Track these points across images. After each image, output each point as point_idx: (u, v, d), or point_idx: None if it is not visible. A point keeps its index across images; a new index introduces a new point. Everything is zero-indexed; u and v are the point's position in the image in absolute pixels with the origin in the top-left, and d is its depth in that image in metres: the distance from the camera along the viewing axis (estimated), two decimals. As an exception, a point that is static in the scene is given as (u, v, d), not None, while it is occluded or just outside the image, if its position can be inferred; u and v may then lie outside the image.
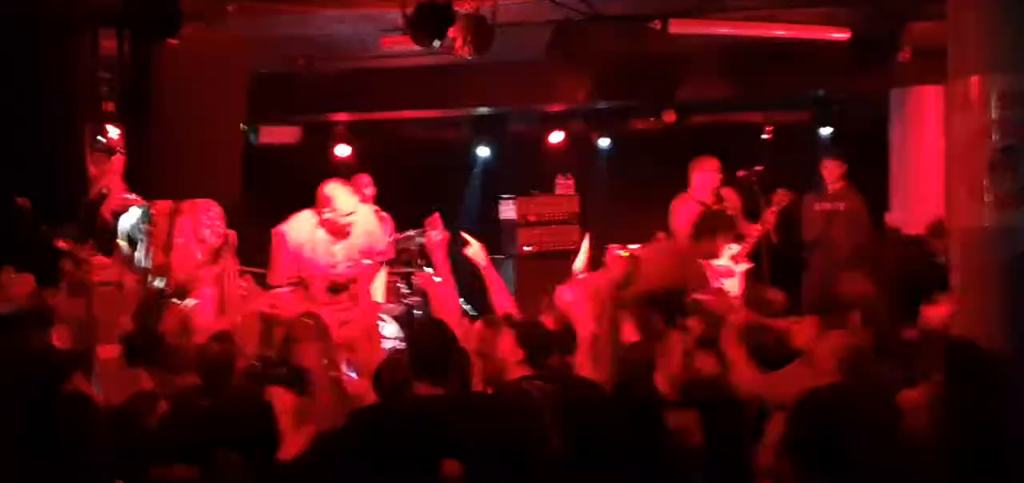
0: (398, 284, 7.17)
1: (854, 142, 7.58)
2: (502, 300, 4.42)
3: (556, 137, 8.54)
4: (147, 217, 5.52)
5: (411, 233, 6.69)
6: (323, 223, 5.57)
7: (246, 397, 3.49)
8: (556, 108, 7.95)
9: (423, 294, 5.68)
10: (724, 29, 5.70)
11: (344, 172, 6.48)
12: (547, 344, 3.96)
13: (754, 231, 6.51)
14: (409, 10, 4.56)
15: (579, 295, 4.37)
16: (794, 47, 6.08)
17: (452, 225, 7.06)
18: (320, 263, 5.56)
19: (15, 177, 4.05)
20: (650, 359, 3.89)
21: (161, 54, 4.17)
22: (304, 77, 6.25)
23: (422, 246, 6.69)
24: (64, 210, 4.44)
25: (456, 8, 4.62)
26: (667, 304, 4.37)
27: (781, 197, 6.62)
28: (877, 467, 2.65)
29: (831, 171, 7.33)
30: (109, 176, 5.27)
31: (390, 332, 6.41)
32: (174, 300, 5.16)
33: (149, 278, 5.43)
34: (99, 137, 5.33)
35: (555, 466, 2.89)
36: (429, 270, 6.67)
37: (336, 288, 5.60)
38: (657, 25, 5.40)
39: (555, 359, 4.00)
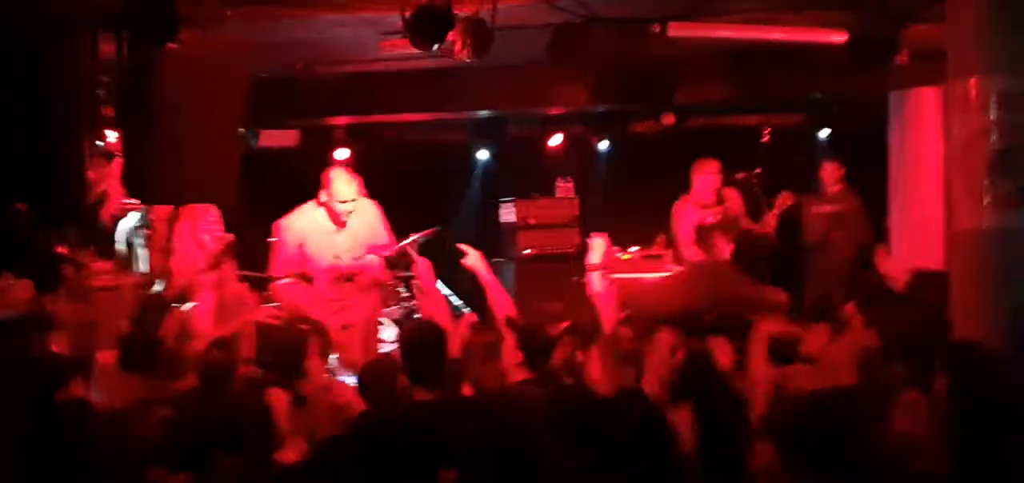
0: (398, 288, 7.17)
1: (853, 144, 7.59)
2: (502, 305, 4.42)
3: (556, 140, 8.54)
4: (146, 222, 5.52)
5: (411, 236, 6.69)
6: (321, 205, 5.56)
7: (244, 401, 3.49)
8: (555, 111, 7.95)
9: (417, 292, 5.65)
10: (723, 32, 5.70)
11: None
12: (547, 348, 3.96)
13: (756, 230, 6.52)
14: (408, 13, 4.56)
15: (610, 293, 4.36)
16: (792, 50, 6.08)
17: (452, 228, 7.10)
18: (323, 256, 5.54)
19: (14, 182, 4.05)
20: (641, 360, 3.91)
21: (160, 58, 4.17)
22: (303, 81, 6.25)
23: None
24: (63, 215, 4.43)
25: (455, 11, 4.63)
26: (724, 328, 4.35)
27: (784, 199, 6.63)
28: (876, 468, 2.64)
29: (830, 174, 7.34)
30: (108, 181, 5.27)
31: (390, 336, 6.41)
32: (173, 305, 5.16)
33: (148, 283, 5.43)
34: (98, 142, 5.33)
35: (551, 471, 2.89)
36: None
37: (341, 279, 5.58)
38: (656, 28, 5.41)
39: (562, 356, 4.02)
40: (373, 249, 5.68)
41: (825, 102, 7.87)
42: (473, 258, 4.79)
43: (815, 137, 8.23)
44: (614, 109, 7.87)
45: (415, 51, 4.81)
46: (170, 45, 4.18)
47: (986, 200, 4.01)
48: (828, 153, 7.64)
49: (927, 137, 6.76)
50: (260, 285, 6.62)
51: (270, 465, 3.10)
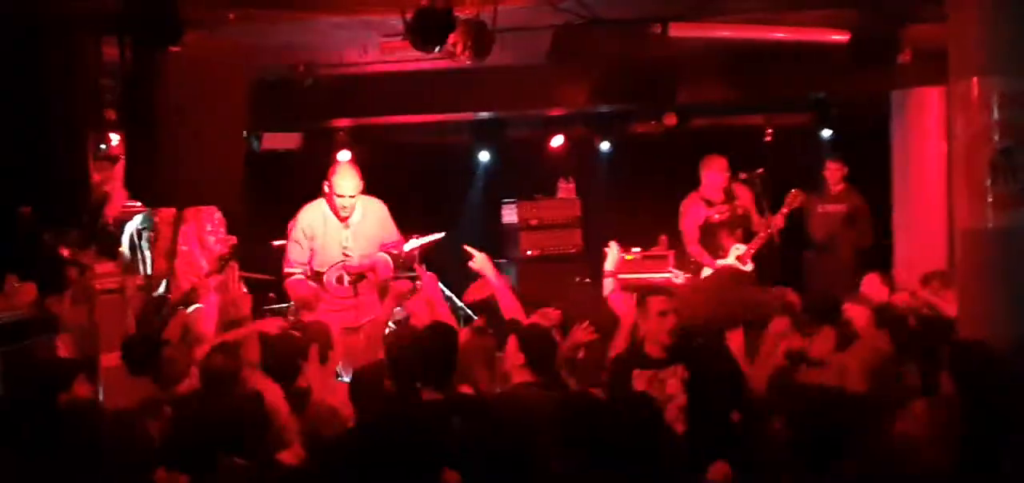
0: (409, 291, 7.16)
1: (855, 144, 7.59)
2: (509, 307, 4.43)
3: (557, 141, 8.55)
4: (150, 224, 5.53)
5: (415, 238, 6.69)
6: (325, 198, 5.57)
7: (245, 403, 3.50)
8: (557, 112, 7.95)
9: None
10: (724, 32, 5.70)
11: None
12: (549, 350, 3.96)
13: (763, 233, 6.52)
14: (409, 16, 4.56)
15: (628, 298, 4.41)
16: (794, 50, 6.07)
17: (454, 230, 7.09)
18: (331, 250, 5.54)
19: (18, 184, 4.05)
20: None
21: (163, 61, 4.18)
22: (305, 83, 6.25)
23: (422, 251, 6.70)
24: (67, 217, 4.44)
25: (456, 14, 4.62)
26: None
27: (793, 198, 6.64)
28: (881, 467, 2.65)
29: (833, 173, 7.34)
30: (112, 183, 5.28)
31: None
32: (178, 307, 5.17)
33: (152, 285, 5.44)
34: (102, 145, 5.34)
35: (551, 472, 2.89)
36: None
37: (352, 279, 5.58)
38: (657, 29, 5.40)
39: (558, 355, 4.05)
40: (384, 246, 5.69)
41: (827, 102, 7.86)
42: (480, 260, 4.79)
43: (818, 137, 8.23)
44: (616, 110, 7.87)
45: (416, 53, 4.81)
46: (173, 48, 4.18)
47: (989, 200, 4.01)
48: (831, 153, 7.64)
49: (930, 137, 6.77)
50: (263, 287, 6.64)
51: (272, 466, 3.10)
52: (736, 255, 6.55)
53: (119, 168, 5.04)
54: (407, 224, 6.44)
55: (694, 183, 6.77)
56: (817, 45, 5.92)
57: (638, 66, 6.19)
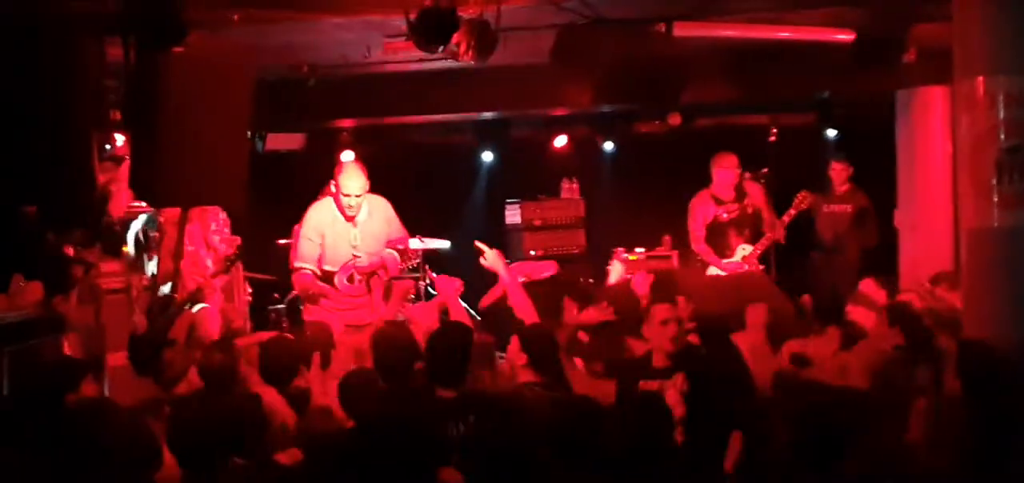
0: (412, 291, 7.17)
1: (860, 143, 7.58)
2: (521, 306, 4.43)
3: (561, 141, 8.54)
4: (154, 224, 5.53)
5: (419, 238, 6.70)
6: (332, 196, 5.60)
7: (244, 404, 3.50)
8: (560, 112, 7.94)
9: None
10: (728, 32, 5.69)
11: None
12: (551, 350, 3.96)
13: (769, 234, 6.51)
14: (413, 16, 4.56)
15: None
16: (799, 49, 6.07)
17: (458, 231, 7.09)
18: (340, 248, 5.56)
19: (23, 184, 4.06)
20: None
21: (167, 62, 4.18)
22: (309, 84, 6.26)
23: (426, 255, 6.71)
24: (72, 217, 4.45)
25: (460, 13, 4.62)
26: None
27: (801, 200, 6.63)
28: (881, 470, 2.64)
29: (838, 173, 7.34)
30: (117, 184, 5.29)
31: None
32: (184, 307, 5.18)
33: (157, 285, 5.44)
34: (107, 145, 5.35)
35: (550, 473, 2.89)
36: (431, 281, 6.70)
37: (363, 278, 5.60)
38: (661, 28, 5.40)
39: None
40: (391, 243, 5.71)
41: (832, 102, 7.85)
42: (491, 257, 4.79)
43: (822, 136, 8.22)
44: (619, 110, 7.86)
45: (420, 53, 4.81)
46: (177, 49, 4.18)
47: (994, 199, 4.00)
48: (836, 152, 7.63)
49: (935, 136, 6.74)
50: (267, 287, 6.65)
51: (270, 467, 3.10)
52: (742, 255, 6.54)
53: (124, 168, 5.06)
54: (411, 224, 6.44)
55: (698, 183, 6.76)
56: (821, 44, 5.91)
57: (642, 66, 6.16)
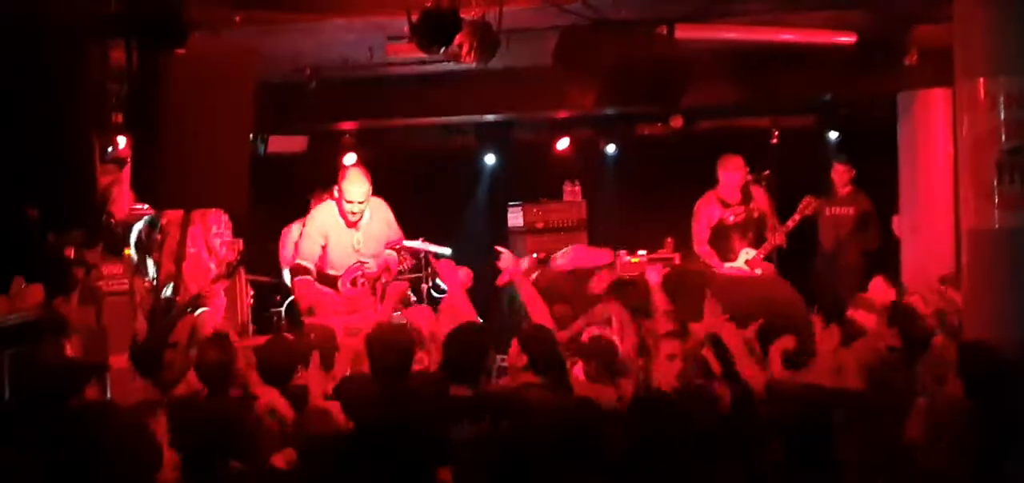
0: (408, 292, 7.18)
1: (862, 145, 7.57)
2: (538, 311, 4.45)
3: (563, 143, 8.54)
4: (156, 226, 5.54)
5: (418, 243, 6.71)
6: (335, 201, 5.62)
7: (239, 406, 3.51)
8: (563, 114, 7.95)
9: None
10: (730, 34, 5.69)
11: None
12: (551, 351, 3.97)
13: (774, 238, 6.51)
14: (415, 18, 4.57)
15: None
16: (801, 51, 6.07)
17: (460, 233, 7.09)
18: (343, 249, 5.58)
19: (25, 187, 4.07)
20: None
21: (169, 65, 4.19)
22: (311, 86, 6.27)
23: (428, 256, 6.72)
24: (73, 219, 4.46)
25: (462, 15, 4.63)
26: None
27: (806, 206, 6.64)
28: (884, 469, 2.64)
29: (840, 175, 7.34)
30: (119, 186, 5.30)
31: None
32: (186, 309, 5.19)
33: (159, 287, 5.45)
34: (109, 148, 5.36)
35: (549, 474, 2.89)
36: (435, 283, 6.72)
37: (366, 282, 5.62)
38: (663, 30, 5.40)
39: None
40: (389, 244, 5.74)
41: (834, 103, 7.85)
42: (507, 259, 4.81)
43: (824, 138, 8.22)
44: (622, 112, 7.86)
45: (422, 55, 4.82)
46: (179, 51, 4.19)
47: (996, 200, 4.00)
48: (838, 154, 7.63)
49: (936, 137, 6.74)
50: (269, 289, 6.66)
51: (266, 470, 3.11)
52: (745, 259, 6.53)
53: (126, 171, 5.07)
54: (414, 226, 6.46)
55: (700, 185, 6.76)
56: (823, 46, 5.91)
57: (644, 68, 6.16)
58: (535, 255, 6.85)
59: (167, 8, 4.16)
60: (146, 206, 5.29)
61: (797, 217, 6.62)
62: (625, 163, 8.74)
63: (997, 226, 4.04)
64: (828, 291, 6.62)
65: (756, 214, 6.61)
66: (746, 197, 6.60)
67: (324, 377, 4.17)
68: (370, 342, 3.99)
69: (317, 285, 5.58)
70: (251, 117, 4.63)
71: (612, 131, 8.44)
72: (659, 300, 4.48)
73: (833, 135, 8.20)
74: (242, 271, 6.06)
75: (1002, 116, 4.00)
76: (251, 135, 5.04)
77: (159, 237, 5.50)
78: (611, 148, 8.72)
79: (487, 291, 8.18)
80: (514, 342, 3.92)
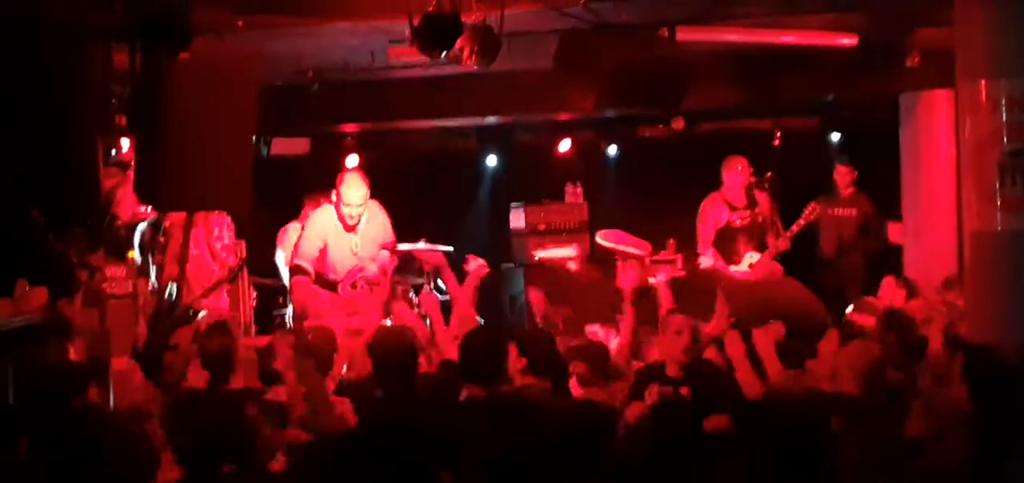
0: (409, 295, 7.19)
1: (864, 147, 7.57)
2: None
3: (564, 146, 8.55)
4: (160, 229, 5.56)
5: (421, 243, 6.71)
6: (333, 205, 5.64)
7: (240, 410, 3.51)
8: (564, 116, 7.95)
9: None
10: (731, 36, 5.70)
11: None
12: (550, 352, 3.97)
13: (777, 244, 6.51)
14: (417, 21, 4.58)
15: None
16: (802, 53, 6.07)
17: (462, 235, 7.10)
18: (343, 252, 5.60)
19: (29, 190, 4.08)
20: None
21: (173, 68, 4.20)
22: (314, 89, 6.29)
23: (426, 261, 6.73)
24: (77, 222, 4.47)
25: (463, 19, 4.63)
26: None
27: (811, 212, 6.64)
28: (883, 471, 2.64)
29: (843, 176, 7.33)
30: (122, 188, 5.31)
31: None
32: (189, 311, 5.20)
33: (162, 289, 5.46)
34: (112, 150, 5.37)
35: (557, 475, 2.89)
36: (437, 285, 6.73)
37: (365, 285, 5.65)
38: (664, 33, 5.40)
39: None
40: (384, 245, 5.77)
41: (836, 105, 7.85)
42: (473, 265, 4.85)
43: (826, 140, 8.22)
44: (623, 114, 7.86)
45: (424, 58, 4.82)
46: (182, 55, 4.21)
47: (998, 202, 4.00)
48: (840, 156, 7.63)
49: (938, 139, 6.74)
50: (272, 291, 6.67)
51: (266, 472, 3.11)
52: (749, 264, 6.53)
53: (130, 173, 5.07)
54: (416, 228, 6.46)
55: (702, 187, 6.76)
56: (825, 48, 5.91)
57: (645, 70, 6.18)
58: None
59: (171, 13, 4.18)
60: (150, 208, 5.31)
61: (802, 222, 6.63)
62: (627, 165, 8.74)
63: (999, 228, 4.04)
64: (830, 292, 6.61)
65: (761, 219, 6.61)
66: (751, 200, 6.60)
67: (324, 378, 4.19)
68: (373, 345, 4.00)
69: (314, 287, 5.60)
70: (254, 120, 4.65)
71: (613, 133, 8.44)
72: (665, 299, 4.49)
73: (835, 137, 8.20)
74: (245, 273, 6.07)
75: (1004, 118, 4.00)
76: (254, 138, 5.06)
77: (162, 239, 5.51)
78: (613, 150, 8.72)
79: (488, 293, 8.21)
80: (511, 346, 3.92)
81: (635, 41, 5.47)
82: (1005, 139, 4.00)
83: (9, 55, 3.93)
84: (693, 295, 4.67)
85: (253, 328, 6.28)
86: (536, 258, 7.93)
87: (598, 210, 8.32)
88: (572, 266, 6.24)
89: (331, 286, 5.62)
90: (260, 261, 6.67)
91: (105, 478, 2.92)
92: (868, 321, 4.59)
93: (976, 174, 4.10)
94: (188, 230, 5.42)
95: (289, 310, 6.47)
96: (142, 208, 5.34)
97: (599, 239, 7.30)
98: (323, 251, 5.62)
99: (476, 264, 5.04)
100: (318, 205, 5.92)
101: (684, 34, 5.40)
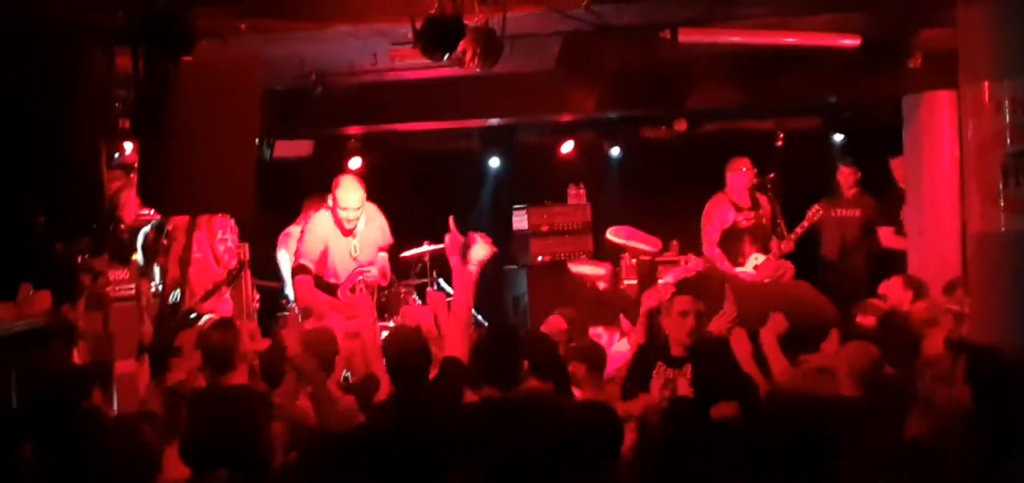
0: (412, 297, 7.20)
1: (867, 148, 7.57)
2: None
3: (567, 147, 8.55)
4: (163, 231, 5.57)
5: (426, 246, 6.73)
6: (330, 209, 5.65)
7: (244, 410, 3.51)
8: (567, 118, 7.95)
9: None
10: (734, 38, 5.70)
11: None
12: (555, 356, 3.98)
13: (781, 246, 6.51)
14: (419, 24, 4.58)
15: None
16: (805, 54, 6.06)
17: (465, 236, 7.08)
18: (342, 255, 5.62)
19: (32, 193, 4.09)
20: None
21: (176, 71, 4.21)
22: (316, 91, 6.30)
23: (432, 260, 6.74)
24: (81, 226, 4.48)
25: (466, 21, 4.64)
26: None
27: (814, 214, 6.63)
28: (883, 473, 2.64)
29: (846, 177, 7.33)
30: (126, 192, 5.32)
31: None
32: (192, 314, 5.21)
33: (165, 292, 5.47)
34: (116, 154, 5.38)
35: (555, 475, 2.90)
36: (440, 285, 6.74)
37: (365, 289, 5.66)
38: (667, 34, 5.40)
39: None
40: (381, 248, 5.79)
41: (839, 106, 7.85)
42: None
43: (829, 141, 8.21)
44: (626, 115, 7.87)
45: (426, 61, 4.83)
46: (185, 58, 4.22)
47: (1001, 203, 4.00)
48: (844, 157, 7.62)
49: (942, 141, 6.73)
50: (275, 294, 6.68)
51: (264, 473, 3.12)
52: (754, 265, 6.53)
53: (133, 176, 5.08)
54: (418, 230, 6.47)
55: (705, 188, 6.76)
56: (828, 50, 5.91)
57: (648, 72, 6.18)
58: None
59: (174, 16, 4.19)
60: (153, 212, 5.32)
61: (806, 224, 6.63)
62: (629, 166, 8.74)
63: (1003, 229, 4.04)
64: (833, 294, 6.60)
65: (765, 220, 6.62)
66: (755, 202, 6.61)
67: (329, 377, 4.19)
68: (386, 345, 4.01)
69: (316, 289, 5.61)
70: (257, 123, 4.66)
71: (616, 134, 8.44)
72: (675, 298, 4.48)
73: (838, 137, 8.19)
74: (248, 275, 6.08)
75: (1007, 120, 4.00)
76: (257, 141, 5.06)
77: (165, 242, 5.52)
78: (615, 151, 8.72)
79: (492, 292, 8.21)
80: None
81: (637, 43, 5.47)
82: (1008, 140, 4.00)
83: (13, 59, 3.94)
84: (701, 295, 4.66)
85: (257, 331, 6.29)
86: (566, 269, 7.80)
87: (601, 211, 8.31)
88: (601, 285, 6.26)
89: (331, 290, 5.63)
90: (263, 264, 6.68)
91: (109, 481, 2.92)
92: (870, 322, 4.58)
93: (979, 175, 4.10)
94: (191, 233, 5.43)
95: (289, 313, 6.49)
96: (145, 211, 5.35)
97: (609, 235, 7.33)
98: (323, 254, 5.63)
99: (482, 248, 4.85)
100: (317, 208, 5.93)
101: (686, 36, 5.40)
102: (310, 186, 6.81)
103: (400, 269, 6.90)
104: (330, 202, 5.68)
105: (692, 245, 6.98)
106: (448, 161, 8.65)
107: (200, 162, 4.35)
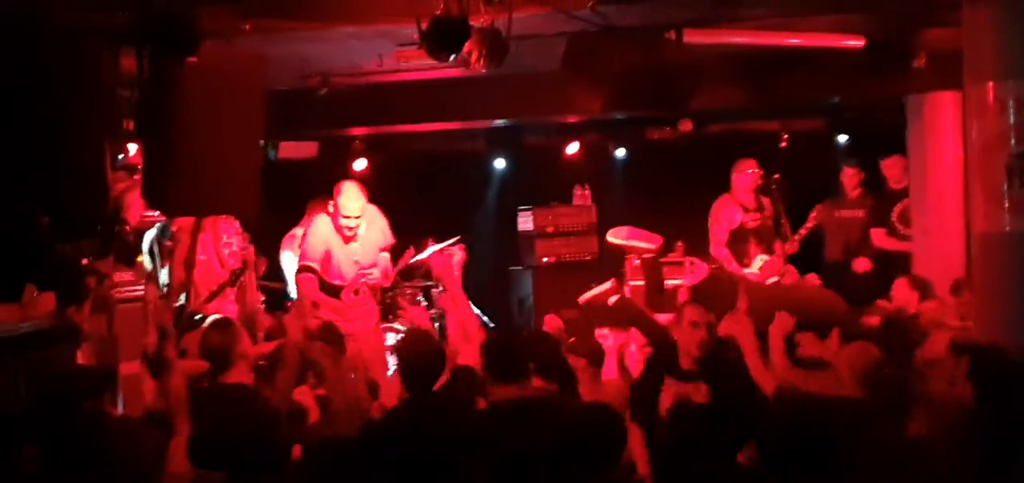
0: (418, 298, 7.21)
1: (871, 148, 7.55)
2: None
3: (572, 148, 8.55)
4: (168, 233, 5.58)
5: (432, 246, 6.73)
6: (331, 216, 5.66)
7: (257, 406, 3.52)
8: (572, 119, 7.96)
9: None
10: (739, 38, 5.69)
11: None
12: (558, 357, 3.98)
13: (785, 247, 6.50)
14: (424, 25, 4.59)
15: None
16: (809, 55, 6.06)
17: (470, 238, 7.10)
18: (344, 264, 5.63)
19: (37, 195, 4.10)
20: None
21: (180, 72, 4.22)
22: (321, 93, 6.31)
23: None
24: (85, 227, 4.49)
25: (471, 22, 4.64)
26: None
27: (817, 214, 6.61)
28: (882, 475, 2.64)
29: (850, 178, 7.32)
30: (131, 193, 5.33)
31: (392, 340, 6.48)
32: (197, 316, 5.22)
33: (170, 295, 5.48)
34: (120, 155, 5.39)
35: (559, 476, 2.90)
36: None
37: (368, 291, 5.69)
38: (672, 35, 5.40)
39: None
40: (383, 248, 5.80)
41: (843, 107, 7.83)
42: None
43: (833, 142, 8.20)
44: (631, 116, 7.86)
45: (432, 62, 4.83)
46: (190, 59, 4.23)
47: (1005, 204, 3.99)
48: (848, 158, 7.61)
49: (946, 141, 6.72)
50: (280, 295, 6.69)
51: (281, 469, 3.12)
52: (759, 266, 6.53)
53: (138, 178, 5.10)
54: (423, 231, 6.47)
55: (710, 189, 6.76)
56: (832, 50, 5.90)
57: (653, 73, 6.18)
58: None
59: (178, 17, 4.20)
60: (158, 213, 5.33)
61: (810, 225, 6.62)
62: (634, 167, 8.74)
63: (1007, 230, 4.03)
64: (838, 294, 6.59)
65: (771, 222, 6.62)
66: (760, 203, 6.61)
67: (328, 380, 4.20)
68: (399, 347, 4.01)
69: (319, 291, 5.63)
70: (261, 124, 4.67)
71: (621, 135, 8.44)
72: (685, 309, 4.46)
73: (842, 138, 8.18)
74: (253, 277, 6.09)
75: (1011, 120, 3.99)
76: (261, 142, 5.08)
77: (170, 244, 5.53)
78: (620, 152, 8.72)
79: (497, 293, 8.21)
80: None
81: (642, 44, 5.47)
82: (1012, 141, 3.99)
83: (17, 59, 3.96)
84: (713, 299, 4.64)
85: (260, 333, 6.30)
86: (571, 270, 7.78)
87: (606, 212, 8.32)
88: (612, 300, 6.24)
89: (335, 291, 5.64)
90: (268, 265, 6.70)
91: (107, 477, 2.93)
92: (873, 322, 4.58)
93: (983, 176, 4.09)
94: (196, 235, 5.45)
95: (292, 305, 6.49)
96: (150, 213, 5.36)
97: (610, 237, 7.32)
98: (327, 256, 5.64)
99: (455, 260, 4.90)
100: (320, 210, 5.94)
101: (691, 36, 5.40)
102: (314, 188, 6.83)
103: (404, 271, 6.90)
104: (331, 208, 5.69)
105: (697, 246, 6.97)
106: (453, 162, 8.66)
107: (205, 163, 4.36)
